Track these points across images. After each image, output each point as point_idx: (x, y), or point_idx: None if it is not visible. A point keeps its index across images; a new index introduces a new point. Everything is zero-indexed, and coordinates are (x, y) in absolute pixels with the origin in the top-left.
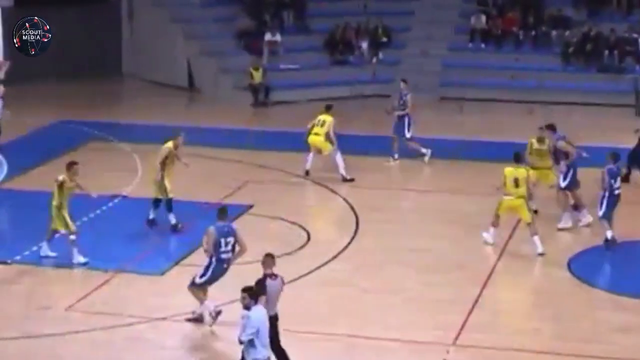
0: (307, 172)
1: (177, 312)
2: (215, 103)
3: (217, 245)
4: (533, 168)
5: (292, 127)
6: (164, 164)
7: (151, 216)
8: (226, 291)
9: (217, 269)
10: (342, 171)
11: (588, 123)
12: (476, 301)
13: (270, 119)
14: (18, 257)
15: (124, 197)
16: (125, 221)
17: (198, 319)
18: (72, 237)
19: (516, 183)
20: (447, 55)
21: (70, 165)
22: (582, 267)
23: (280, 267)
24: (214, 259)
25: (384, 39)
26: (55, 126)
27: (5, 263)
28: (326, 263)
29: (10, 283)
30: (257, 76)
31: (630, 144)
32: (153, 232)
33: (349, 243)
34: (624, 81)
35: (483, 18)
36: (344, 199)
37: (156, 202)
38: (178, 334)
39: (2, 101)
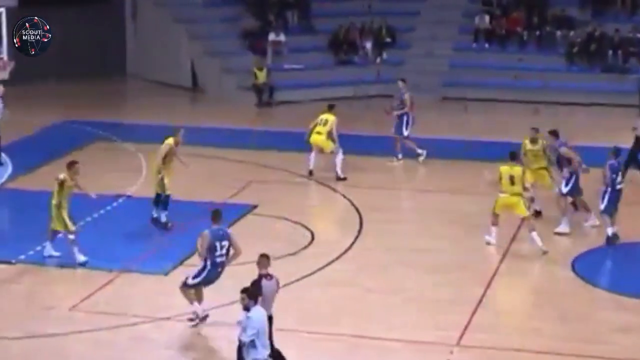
0: (310, 172)
1: (181, 312)
2: (219, 103)
3: (212, 248)
4: (528, 169)
5: (296, 127)
6: (164, 160)
7: (155, 215)
8: (226, 292)
9: (212, 272)
10: (338, 170)
11: (592, 123)
12: (480, 301)
13: (274, 119)
14: (22, 257)
15: (129, 197)
16: (130, 221)
17: (201, 319)
18: (71, 236)
19: (512, 181)
20: (452, 56)
21: (71, 164)
22: (586, 268)
23: (284, 267)
24: (208, 263)
25: (388, 39)
26: (59, 126)
27: (9, 263)
28: (330, 263)
29: (14, 283)
30: (261, 76)
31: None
32: (157, 232)
33: (353, 243)
34: (628, 81)
35: (487, 18)
36: (348, 199)
37: (157, 200)
38: (182, 333)
39: (1, 101)
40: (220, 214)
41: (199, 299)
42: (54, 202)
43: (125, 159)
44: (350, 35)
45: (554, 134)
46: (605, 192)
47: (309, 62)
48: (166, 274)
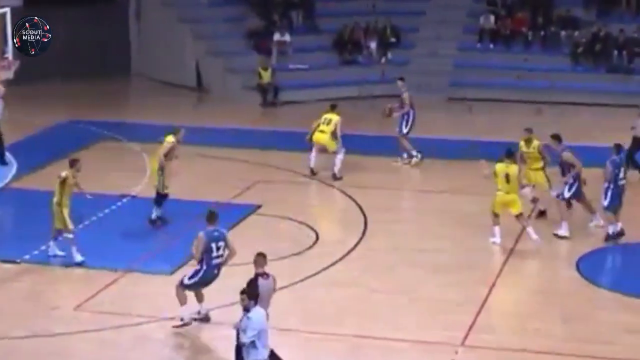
0: (312, 171)
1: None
2: (223, 103)
3: (208, 250)
4: (528, 168)
5: (301, 127)
6: (166, 158)
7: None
8: (227, 292)
9: (208, 273)
10: (336, 169)
11: (597, 123)
12: (484, 301)
13: (279, 119)
14: (27, 257)
15: (133, 196)
16: (134, 221)
17: (204, 319)
18: (70, 235)
19: (507, 179)
20: (456, 56)
21: (74, 162)
22: (590, 268)
23: (288, 267)
24: (204, 264)
25: (393, 39)
26: (64, 126)
27: (14, 262)
28: (334, 263)
29: (19, 282)
30: (266, 76)
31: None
32: (161, 231)
33: (357, 243)
34: (633, 82)
35: (492, 18)
36: (352, 200)
37: (163, 195)
38: (186, 333)
39: (1, 101)
40: (216, 215)
41: (200, 299)
42: (55, 200)
43: (129, 158)
44: (354, 35)
45: (557, 138)
46: (607, 188)
47: (313, 62)
48: (171, 273)
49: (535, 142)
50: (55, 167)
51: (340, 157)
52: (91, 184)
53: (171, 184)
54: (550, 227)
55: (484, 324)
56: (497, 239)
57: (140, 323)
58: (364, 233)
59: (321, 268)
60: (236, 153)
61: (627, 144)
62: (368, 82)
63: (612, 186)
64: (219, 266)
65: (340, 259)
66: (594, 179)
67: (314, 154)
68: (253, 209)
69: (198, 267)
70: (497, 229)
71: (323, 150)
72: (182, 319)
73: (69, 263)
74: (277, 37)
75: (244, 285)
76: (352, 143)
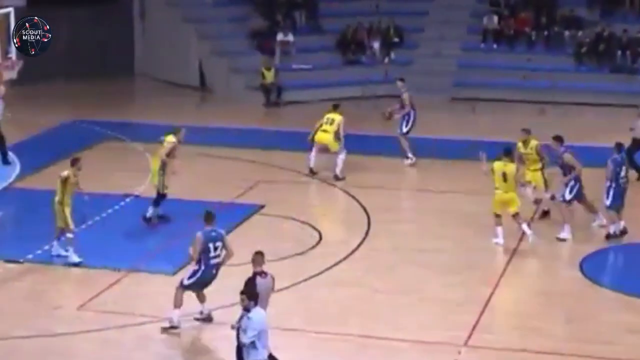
0: (311, 170)
1: (188, 312)
2: (227, 103)
3: (206, 250)
4: (527, 169)
5: (304, 127)
6: (168, 157)
7: (159, 212)
8: (226, 292)
9: (206, 274)
10: (338, 169)
11: (600, 123)
12: (488, 301)
13: (283, 119)
14: (30, 256)
15: (136, 196)
16: (137, 221)
17: (206, 319)
18: (70, 235)
19: (504, 177)
20: (460, 56)
21: (75, 161)
22: (594, 268)
23: (291, 267)
24: (202, 264)
25: (396, 39)
26: (68, 126)
27: (17, 262)
28: (337, 263)
29: (22, 282)
30: (269, 76)
31: None
32: (164, 231)
33: (361, 243)
34: (637, 82)
35: (495, 18)
36: (356, 200)
37: (162, 195)
38: (189, 333)
39: (2, 102)
40: (213, 215)
41: (201, 299)
42: (56, 199)
43: (133, 158)
44: (358, 35)
45: (559, 139)
46: (609, 187)
47: (316, 62)
48: (173, 273)
49: (533, 143)
50: (59, 167)
51: (341, 157)
52: (94, 183)
53: (174, 183)
54: (552, 227)
55: (487, 324)
56: (500, 240)
57: (143, 323)
58: (367, 233)
59: (324, 268)
60: (239, 153)
61: (627, 144)
62: (371, 82)
63: (614, 185)
64: (217, 266)
65: (344, 259)
66: (597, 179)
67: (313, 153)
68: (256, 208)
69: (196, 267)
70: (499, 229)
71: (324, 150)
72: (170, 321)
73: (72, 263)
74: (280, 37)
75: (250, 287)
76: (355, 143)
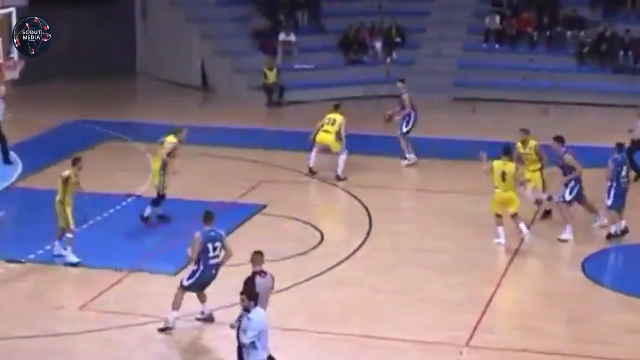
0: (311, 170)
1: (190, 311)
2: (229, 103)
3: (204, 250)
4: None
5: (307, 127)
6: (169, 157)
7: (160, 212)
8: (227, 293)
9: (205, 274)
10: (339, 170)
11: (602, 124)
12: (489, 302)
13: (285, 118)
14: (32, 256)
15: (138, 196)
16: (139, 220)
17: (208, 319)
18: (70, 235)
19: (503, 177)
20: (461, 56)
21: (76, 160)
22: (596, 269)
23: (293, 267)
24: (201, 264)
25: (398, 39)
26: (70, 125)
27: (19, 262)
28: (339, 263)
29: (24, 282)
30: (271, 76)
31: None
32: (166, 231)
33: (362, 243)
34: (639, 82)
35: (497, 18)
36: (357, 199)
37: (162, 196)
38: (190, 333)
39: (2, 102)
40: (212, 215)
41: (202, 299)
42: (57, 198)
43: (135, 158)
44: (360, 35)
45: (560, 139)
46: (610, 187)
47: (319, 62)
48: (175, 273)
49: (532, 143)
50: (60, 167)
51: (343, 157)
52: (96, 183)
53: (176, 183)
54: (553, 228)
55: (488, 324)
56: (502, 240)
57: (145, 323)
58: (368, 233)
59: (326, 268)
60: (241, 153)
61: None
62: (373, 82)
63: (614, 185)
64: (216, 267)
65: (345, 258)
66: (600, 179)
67: (314, 153)
68: (258, 208)
69: (195, 267)
70: (500, 229)
71: (324, 150)
72: (166, 322)
73: (67, 263)
74: (282, 37)
75: (249, 286)
76: (357, 143)
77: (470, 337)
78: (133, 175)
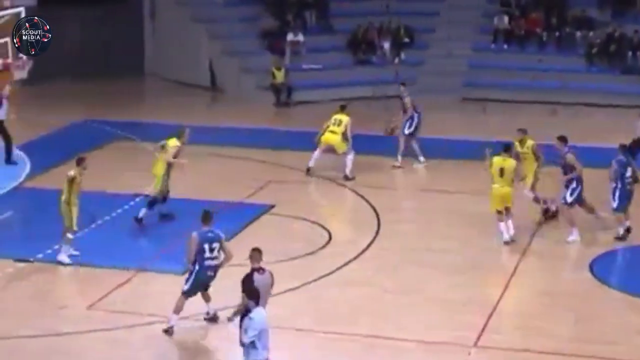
0: (308, 170)
1: (197, 311)
2: (237, 103)
3: (200, 251)
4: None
5: (315, 127)
6: (175, 159)
7: (163, 211)
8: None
9: (201, 275)
10: (347, 170)
11: (610, 124)
12: (497, 302)
13: (293, 119)
14: (40, 256)
15: (146, 196)
16: (147, 220)
17: (212, 319)
18: (70, 236)
19: (501, 173)
20: (471, 56)
21: (81, 160)
22: (603, 269)
23: (301, 267)
24: (197, 265)
25: (406, 40)
26: (78, 125)
27: (27, 261)
28: (347, 263)
29: (32, 281)
30: (279, 76)
31: None
32: (174, 231)
33: (370, 243)
34: None
35: (506, 19)
36: (365, 200)
37: (164, 198)
38: (198, 333)
39: (7, 102)
40: (210, 216)
41: (206, 299)
42: (62, 198)
43: (143, 158)
44: (368, 35)
45: (563, 139)
46: (615, 188)
47: (327, 62)
48: (182, 273)
49: (529, 143)
50: (69, 167)
51: (350, 157)
52: (105, 183)
53: (185, 183)
54: (560, 229)
55: (496, 324)
56: (505, 235)
57: (152, 322)
58: (376, 233)
59: (334, 268)
60: (250, 153)
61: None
62: (382, 83)
63: (619, 186)
64: (213, 268)
65: (354, 258)
66: (606, 179)
67: (317, 153)
68: (266, 208)
69: (191, 268)
70: (502, 225)
71: (329, 150)
72: (168, 322)
73: (82, 262)
74: (290, 37)
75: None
76: (365, 143)
77: (478, 338)
78: (141, 175)
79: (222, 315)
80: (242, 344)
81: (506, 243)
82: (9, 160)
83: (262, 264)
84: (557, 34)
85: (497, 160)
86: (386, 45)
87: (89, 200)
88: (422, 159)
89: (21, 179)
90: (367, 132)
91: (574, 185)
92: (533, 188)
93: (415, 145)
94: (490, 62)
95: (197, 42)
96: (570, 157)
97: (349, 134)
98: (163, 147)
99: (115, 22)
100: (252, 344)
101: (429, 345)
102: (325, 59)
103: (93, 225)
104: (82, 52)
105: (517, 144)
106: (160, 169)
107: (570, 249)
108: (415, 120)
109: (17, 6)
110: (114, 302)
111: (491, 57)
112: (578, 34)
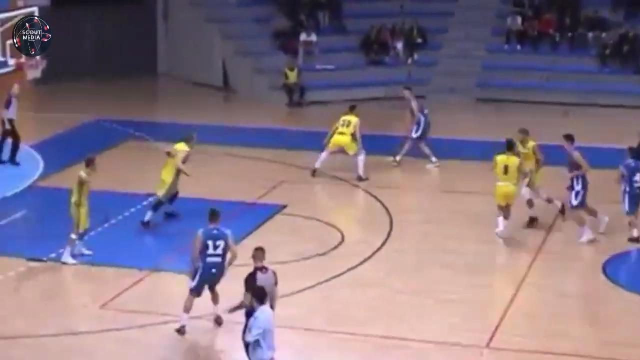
0: (314, 171)
1: (210, 311)
2: (250, 103)
3: (204, 248)
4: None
5: (327, 127)
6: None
7: (168, 210)
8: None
9: (205, 273)
10: (360, 171)
11: (624, 125)
12: (510, 303)
13: (305, 119)
14: (53, 255)
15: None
16: (160, 220)
17: (217, 321)
18: (74, 236)
19: (505, 170)
20: (484, 57)
21: (90, 161)
22: (617, 271)
23: (314, 267)
24: (200, 264)
25: (419, 40)
26: (91, 125)
27: (41, 260)
28: (360, 264)
29: (45, 281)
30: (292, 76)
31: None
32: (187, 231)
33: (383, 244)
34: None
35: (519, 19)
36: (378, 200)
37: (170, 198)
38: (211, 332)
39: (16, 101)
40: (217, 214)
41: (215, 300)
42: (73, 199)
43: (156, 158)
44: (381, 36)
45: (569, 138)
46: (624, 191)
47: (340, 63)
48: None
49: (531, 143)
50: (82, 166)
51: (361, 158)
52: (117, 183)
53: (197, 182)
54: (574, 230)
55: (509, 326)
56: (502, 229)
57: (166, 322)
58: (389, 234)
59: (346, 268)
60: (262, 153)
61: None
62: (394, 83)
63: (628, 189)
64: (217, 266)
65: (366, 259)
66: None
67: (324, 155)
68: (278, 208)
69: (196, 265)
70: (501, 219)
71: (339, 152)
72: (180, 322)
73: (95, 262)
74: (303, 37)
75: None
76: (378, 143)
77: (491, 339)
78: (154, 175)
79: (236, 315)
80: (246, 343)
81: (498, 235)
82: (13, 161)
83: (274, 264)
84: (570, 34)
85: (501, 159)
86: (399, 45)
87: (102, 200)
88: (434, 159)
89: (35, 178)
90: (380, 133)
91: (578, 187)
92: (530, 188)
93: (425, 147)
94: (503, 63)
95: (210, 43)
96: (577, 155)
97: (358, 134)
98: (169, 153)
99: (128, 22)
100: (257, 343)
101: (441, 345)
102: (338, 59)
103: (106, 225)
104: (96, 52)
105: (518, 144)
106: (168, 174)
107: (583, 250)
108: (422, 123)
109: (31, 6)
110: (126, 302)
111: (504, 57)
112: (591, 34)
